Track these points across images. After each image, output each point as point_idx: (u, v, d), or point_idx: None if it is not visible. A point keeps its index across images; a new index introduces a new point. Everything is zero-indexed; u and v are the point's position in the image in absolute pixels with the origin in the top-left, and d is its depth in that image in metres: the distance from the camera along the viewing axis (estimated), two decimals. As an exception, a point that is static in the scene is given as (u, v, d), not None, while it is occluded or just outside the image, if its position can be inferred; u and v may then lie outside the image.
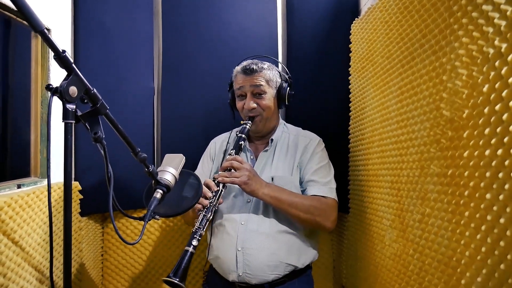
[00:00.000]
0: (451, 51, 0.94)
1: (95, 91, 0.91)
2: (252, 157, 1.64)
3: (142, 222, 1.06)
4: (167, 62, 2.04)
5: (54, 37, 1.66)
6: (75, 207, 1.75)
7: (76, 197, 1.76)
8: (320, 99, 1.96)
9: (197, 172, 1.70)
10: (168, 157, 1.21)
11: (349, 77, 1.82)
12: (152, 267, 2.06)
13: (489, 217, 0.77)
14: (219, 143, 1.75)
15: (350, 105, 1.82)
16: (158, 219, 1.13)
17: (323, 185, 1.52)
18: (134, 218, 1.11)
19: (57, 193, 1.58)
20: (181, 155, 1.22)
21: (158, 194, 1.10)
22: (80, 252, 1.78)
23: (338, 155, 1.83)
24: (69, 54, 0.83)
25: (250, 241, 1.46)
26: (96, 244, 1.99)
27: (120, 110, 1.90)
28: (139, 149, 1.04)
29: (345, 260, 1.84)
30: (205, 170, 1.70)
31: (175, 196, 1.21)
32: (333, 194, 1.52)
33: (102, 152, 0.93)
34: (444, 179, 0.95)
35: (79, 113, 0.90)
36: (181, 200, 1.23)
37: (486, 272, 0.77)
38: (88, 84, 0.89)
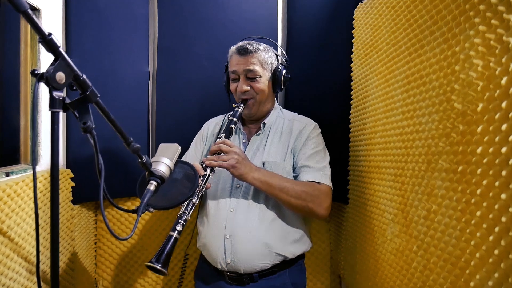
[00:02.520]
0: (465, 40, 0.88)
1: (85, 77, 0.85)
2: (244, 140, 1.61)
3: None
4: (162, 45, 1.97)
5: (44, 17, 1.58)
6: (67, 195, 1.70)
7: (68, 184, 1.71)
8: (321, 86, 1.90)
9: (188, 153, 1.67)
10: (162, 146, 1.16)
11: (351, 64, 1.76)
12: (146, 256, 2.02)
13: (503, 219, 0.72)
14: (213, 125, 1.71)
15: (351, 93, 1.77)
16: (152, 212, 1.09)
17: (317, 171, 1.47)
18: (127, 211, 1.06)
19: (48, 181, 1.52)
20: (176, 144, 1.16)
21: (152, 186, 1.05)
22: (72, 241, 1.74)
23: (338, 143, 1.78)
24: (56, 37, 0.76)
25: (238, 228, 1.43)
26: (89, 232, 1.94)
27: (114, 95, 1.85)
28: (132, 139, 0.98)
29: (343, 251, 1.81)
30: (197, 152, 1.66)
31: (170, 188, 1.16)
32: (327, 180, 1.47)
33: (92, 143, 0.87)
34: (454, 175, 0.91)
35: (68, 100, 0.84)
36: (176, 192, 1.18)
37: (499, 276, 0.73)
38: (77, 70, 0.82)
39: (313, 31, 1.92)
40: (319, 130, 1.60)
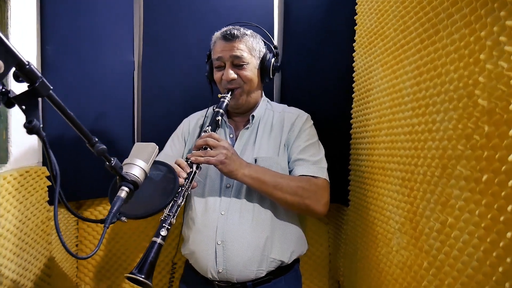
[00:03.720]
0: (493, 22, 0.73)
1: (32, 66, 0.69)
2: (231, 135, 1.47)
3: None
4: (149, 33, 1.81)
5: (14, 0, 1.42)
6: (42, 195, 1.55)
7: (44, 184, 1.56)
8: (320, 77, 1.74)
9: (163, 152, 1.52)
10: (137, 146, 1.01)
11: (354, 54, 1.60)
12: (132, 259, 1.89)
13: (544, 245, 0.58)
14: (194, 121, 1.57)
15: (353, 85, 1.61)
16: (124, 221, 0.95)
17: (313, 164, 1.36)
18: (93, 221, 0.93)
19: (18, 180, 1.38)
20: (153, 144, 1.01)
21: (123, 192, 0.91)
22: (49, 245, 1.60)
23: (338, 140, 1.65)
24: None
25: (231, 233, 1.30)
26: (70, 234, 1.81)
27: (95, 87, 1.71)
28: (97, 139, 0.84)
29: (343, 257, 1.68)
30: (174, 151, 1.51)
31: (145, 194, 1.02)
32: (324, 174, 1.37)
33: (42, 144, 0.73)
34: (476, 185, 0.76)
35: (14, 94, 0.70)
36: (153, 198, 1.04)
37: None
38: (22, 57, 0.67)
39: (312, 17, 1.76)
40: (312, 122, 1.49)
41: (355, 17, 1.58)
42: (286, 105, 1.55)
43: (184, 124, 1.58)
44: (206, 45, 1.75)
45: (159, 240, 1.10)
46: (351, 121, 1.62)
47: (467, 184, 0.79)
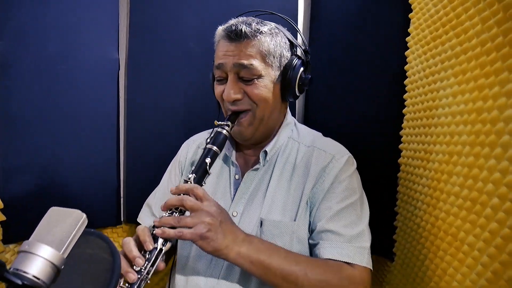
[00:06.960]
0: None
1: None
2: (237, 176, 1.03)
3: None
4: (136, 25, 1.49)
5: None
6: (-8, 233, 1.23)
7: (-5, 218, 1.24)
8: (358, 84, 1.32)
9: (158, 191, 1.14)
10: (50, 215, 0.61)
11: (406, 52, 1.15)
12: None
13: None
14: (194, 147, 1.14)
15: (405, 96, 1.17)
16: None
17: (349, 242, 0.89)
18: None
19: None
20: (78, 212, 0.60)
21: (9, 309, 0.53)
22: (2, 295, 1.26)
23: (381, 170, 1.24)
24: None
25: None
26: None
27: (74, 91, 1.39)
28: None
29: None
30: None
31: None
32: (364, 259, 0.89)
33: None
34: None
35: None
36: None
37: None
38: None
39: (348, 1, 1.34)
40: (354, 165, 0.99)
41: (409, 0, 1.12)
42: (320, 134, 1.09)
43: (182, 150, 1.17)
44: (207, 37, 1.36)
45: None
46: (401, 146, 1.18)
47: None
